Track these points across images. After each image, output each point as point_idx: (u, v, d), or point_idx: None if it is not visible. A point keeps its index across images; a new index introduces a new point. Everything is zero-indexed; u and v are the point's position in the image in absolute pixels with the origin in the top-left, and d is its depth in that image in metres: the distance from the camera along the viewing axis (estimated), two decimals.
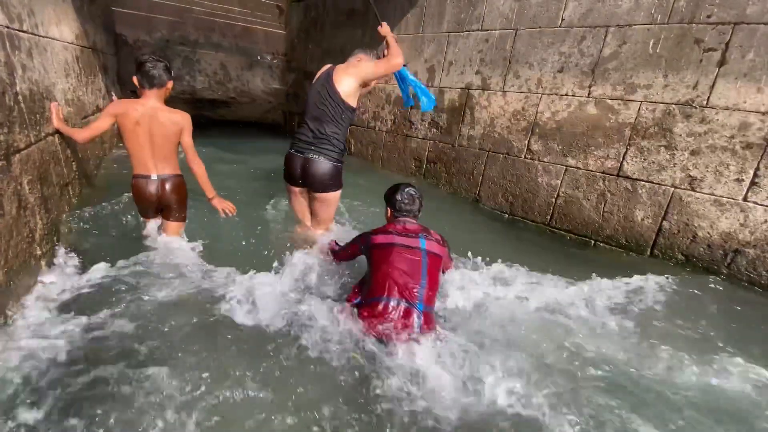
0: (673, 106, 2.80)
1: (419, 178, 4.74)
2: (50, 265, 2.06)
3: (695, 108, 2.72)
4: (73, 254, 2.21)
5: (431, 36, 4.39)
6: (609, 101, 3.08)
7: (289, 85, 7.31)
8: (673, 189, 2.85)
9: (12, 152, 1.75)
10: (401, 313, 1.79)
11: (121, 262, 2.14)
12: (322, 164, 2.47)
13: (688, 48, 2.72)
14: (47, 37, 2.56)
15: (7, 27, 1.88)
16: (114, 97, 2.43)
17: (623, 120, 3.02)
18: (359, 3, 5.41)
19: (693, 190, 2.77)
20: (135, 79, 2.25)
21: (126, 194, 2.76)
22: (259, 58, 7.19)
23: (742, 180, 2.59)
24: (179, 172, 2.43)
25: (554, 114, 3.39)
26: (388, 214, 2.18)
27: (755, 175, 2.55)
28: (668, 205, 2.87)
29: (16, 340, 1.55)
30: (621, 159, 3.06)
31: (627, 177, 3.04)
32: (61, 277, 2.00)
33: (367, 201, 3.50)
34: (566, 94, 3.31)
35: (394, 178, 4.92)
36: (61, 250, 2.19)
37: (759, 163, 2.53)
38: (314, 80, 2.58)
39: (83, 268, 2.10)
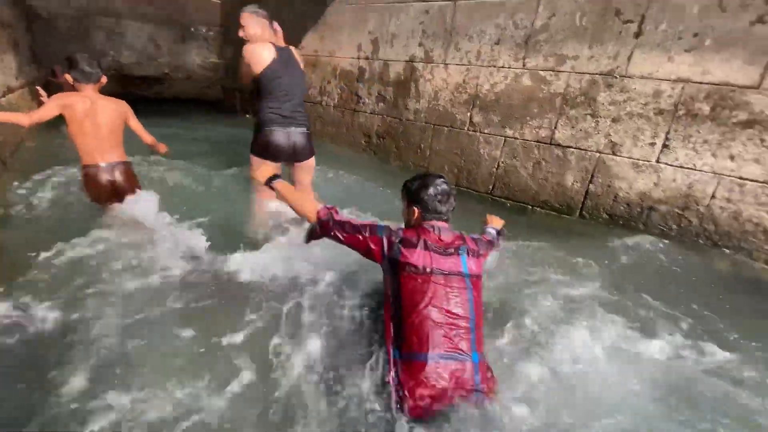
0: (597, 76, 3.00)
1: (369, 153, 4.76)
2: None
3: (616, 78, 2.93)
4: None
5: (373, 6, 4.31)
6: (541, 72, 3.23)
7: (228, 58, 6.91)
8: (598, 154, 3.09)
9: None
10: (454, 374, 1.33)
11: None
12: (306, 135, 2.77)
13: (609, 20, 2.89)
14: None
15: None
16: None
17: (554, 90, 3.20)
18: None
19: (614, 154, 3.03)
20: (68, 76, 2.39)
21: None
22: (192, 30, 6.70)
23: (655, 143, 2.87)
24: (127, 158, 2.61)
25: (493, 86, 3.51)
26: (415, 215, 1.62)
27: (666, 138, 2.83)
28: (594, 170, 3.13)
29: None
30: (553, 128, 3.26)
31: (558, 145, 3.26)
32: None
33: (322, 177, 3.52)
34: (503, 66, 3.43)
35: (345, 153, 4.91)
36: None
37: (670, 127, 2.80)
38: (272, 60, 2.54)
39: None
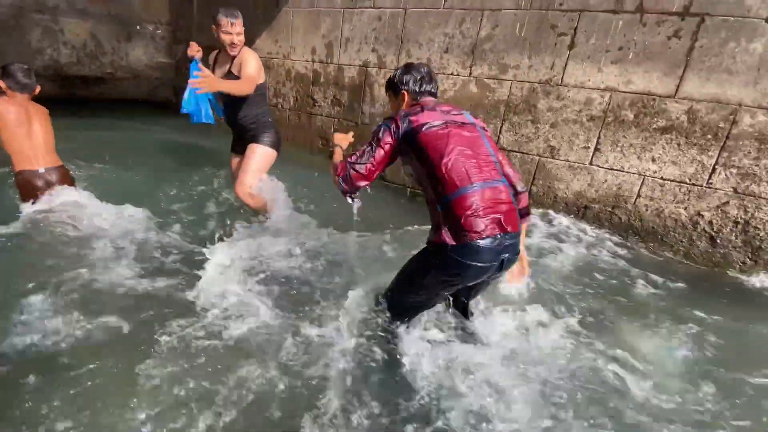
0: (536, 84, 3.19)
1: (326, 155, 4.77)
2: None
3: (553, 86, 3.14)
4: None
5: (326, 11, 4.32)
6: (486, 80, 3.40)
7: (178, 58, 6.65)
8: (538, 158, 3.30)
9: None
10: (496, 195, 1.45)
11: None
12: None
13: (545, 32, 3.09)
14: None
15: None
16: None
17: (498, 98, 3.37)
18: None
19: (553, 157, 3.24)
20: (2, 83, 2.45)
21: None
22: (138, 27, 6.39)
23: (589, 147, 3.10)
24: (61, 163, 2.70)
25: (443, 92, 3.64)
26: (405, 99, 1.71)
27: (598, 143, 3.07)
28: (535, 172, 3.33)
29: None
30: (498, 133, 3.43)
31: (503, 149, 3.43)
32: None
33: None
34: (452, 74, 3.57)
35: (301, 155, 4.88)
36: None
37: (600, 132, 3.04)
38: None
39: None
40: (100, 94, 6.51)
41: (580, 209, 3.21)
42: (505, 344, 1.77)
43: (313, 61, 4.61)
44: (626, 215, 3.04)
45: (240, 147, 2.97)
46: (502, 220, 1.42)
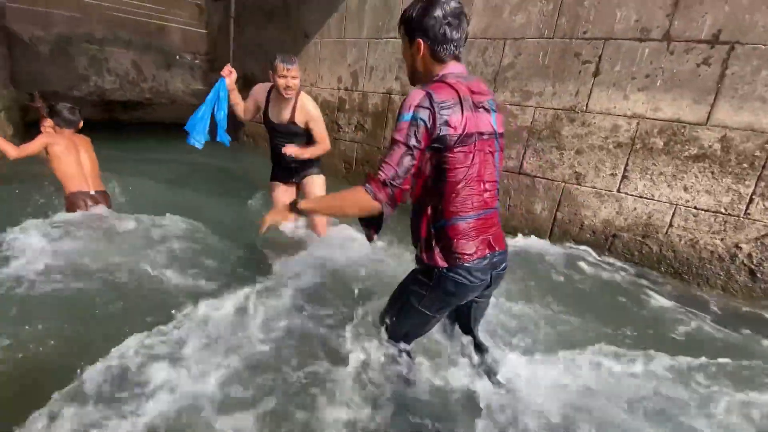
0: (560, 111, 3.18)
1: (350, 179, 4.85)
2: None
3: (577, 113, 3.11)
4: None
5: (353, 41, 4.50)
6: (510, 106, 3.41)
7: (212, 86, 7.02)
8: (563, 184, 3.23)
9: None
10: (488, 224, 1.41)
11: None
12: None
13: (569, 60, 3.10)
14: None
15: None
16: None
17: (521, 123, 3.36)
18: (279, 4, 5.36)
19: (579, 184, 3.17)
20: (51, 121, 2.87)
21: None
22: (178, 57, 6.82)
23: (616, 174, 3.02)
24: (104, 187, 3.01)
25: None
26: (421, 51, 1.34)
27: (625, 169, 2.99)
28: (560, 198, 3.26)
29: None
30: (521, 158, 3.40)
31: (527, 174, 3.39)
32: None
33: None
34: None
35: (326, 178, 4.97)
36: None
37: (627, 159, 2.97)
38: None
39: None
40: (138, 117, 6.91)
41: (608, 238, 3.10)
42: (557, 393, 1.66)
43: (339, 89, 4.76)
44: (658, 245, 2.91)
45: (286, 175, 3.01)
46: (491, 240, 1.42)
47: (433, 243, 1.40)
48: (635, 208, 2.98)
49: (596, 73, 3.01)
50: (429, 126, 1.24)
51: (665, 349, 1.96)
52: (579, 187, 3.17)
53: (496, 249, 1.43)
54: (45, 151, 2.77)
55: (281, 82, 2.60)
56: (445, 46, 1.32)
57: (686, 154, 2.76)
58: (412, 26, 1.33)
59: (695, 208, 2.77)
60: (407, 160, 1.28)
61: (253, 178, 4.56)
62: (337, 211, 1.62)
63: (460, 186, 1.33)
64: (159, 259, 2.39)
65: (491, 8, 3.41)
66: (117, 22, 6.23)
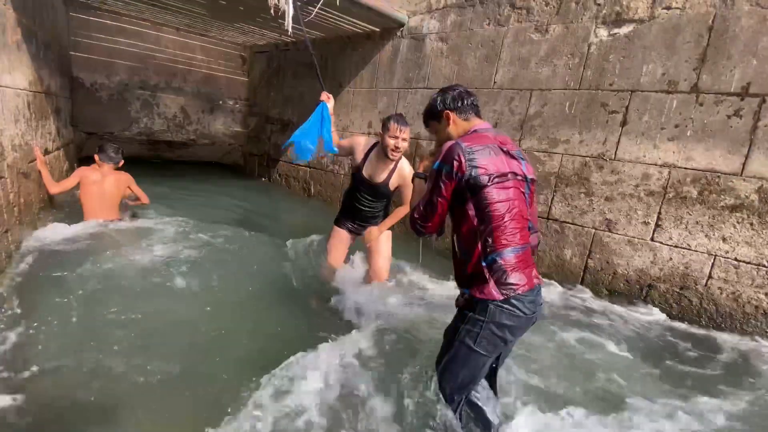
0: (588, 158, 3.21)
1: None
2: None
3: (606, 161, 3.13)
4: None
5: (384, 90, 4.77)
6: (536, 153, 3.47)
7: (250, 128, 7.48)
8: (594, 231, 3.20)
9: None
10: (527, 257, 1.50)
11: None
12: None
13: (596, 110, 3.17)
14: None
15: None
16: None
17: (549, 170, 3.40)
18: (319, 58, 5.79)
19: (610, 231, 3.12)
20: (96, 157, 3.33)
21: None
22: (221, 102, 7.36)
23: (649, 222, 2.97)
24: (120, 217, 3.43)
25: None
26: (451, 120, 1.57)
27: (659, 218, 2.94)
28: (591, 246, 3.21)
29: None
30: (550, 203, 3.41)
31: (556, 220, 3.38)
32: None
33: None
34: None
35: None
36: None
37: (660, 208, 2.93)
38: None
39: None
40: (180, 156, 7.39)
41: (643, 288, 3.00)
42: None
43: (369, 134, 4.98)
44: (697, 298, 2.79)
45: (355, 225, 2.88)
46: (533, 273, 1.51)
47: (487, 276, 1.44)
48: (671, 258, 2.89)
49: (624, 123, 3.05)
50: (455, 173, 1.42)
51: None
52: (610, 234, 3.12)
53: (536, 282, 1.50)
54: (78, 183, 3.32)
55: (391, 142, 2.49)
56: (467, 107, 1.58)
57: (722, 204, 2.70)
58: (438, 108, 1.60)
59: (735, 259, 2.67)
60: (429, 209, 1.49)
61: (287, 219, 4.72)
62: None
63: (506, 220, 1.44)
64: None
65: (518, 61, 3.58)
66: (170, 71, 6.85)
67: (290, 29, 3.39)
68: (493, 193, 1.42)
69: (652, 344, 2.53)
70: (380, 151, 2.60)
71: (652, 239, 2.96)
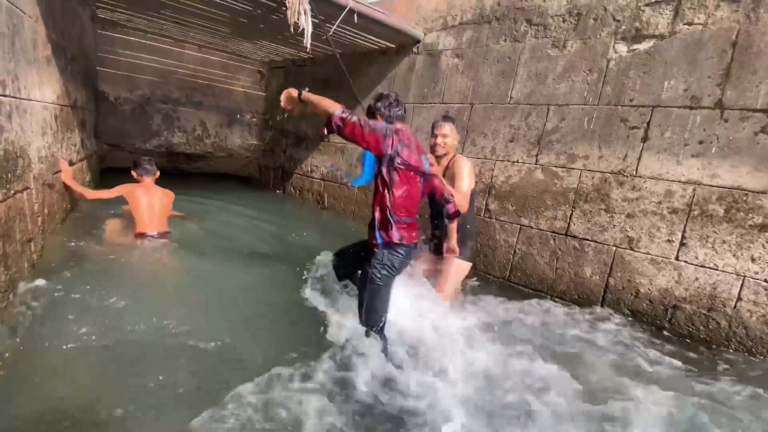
0: (608, 174, 3.15)
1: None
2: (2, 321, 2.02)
3: (626, 177, 3.07)
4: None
5: None
6: (554, 168, 3.42)
7: (266, 141, 7.60)
8: (615, 248, 3.11)
9: None
10: (416, 225, 2.16)
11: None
12: None
13: (616, 126, 3.12)
14: (28, 100, 2.69)
15: None
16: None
17: (567, 185, 3.34)
18: (333, 72, 5.88)
19: (632, 249, 3.03)
20: (134, 173, 3.51)
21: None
22: (238, 116, 7.52)
23: (672, 241, 2.88)
24: (168, 230, 3.55)
25: (508, 178, 3.71)
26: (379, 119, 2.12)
27: (683, 236, 2.85)
28: (612, 263, 3.12)
29: None
30: (568, 220, 3.34)
31: (574, 236, 3.30)
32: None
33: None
34: (517, 161, 3.66)
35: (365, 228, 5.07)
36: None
37: (685, 226, 2.84)
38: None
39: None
40: (197, 168, 7.52)
41: (667, 309, 2.88)
42: None
43: None
44: (726, 320, 2.67)
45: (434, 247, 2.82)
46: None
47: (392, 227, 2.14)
48: (697, 278, 2.79)
49: (645, 138, 3.00)
50: (382, 140, 2.00)
51: None
52: (632, 252, 3.03)
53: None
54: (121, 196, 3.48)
55: (431, 140, 2.70)
56: (397, 121, 2.17)
57: (750, 222, 2.60)
58: (374, 110, 2.19)
59: (766, 281, 2.55)
60: (358, 125, 2.01)
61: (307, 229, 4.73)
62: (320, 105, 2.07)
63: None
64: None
65: (534, 76, 3.57)
66: (191, 86, 7.04)
67: (309, 45, 3.47)
68: (400, 175, 2.02)
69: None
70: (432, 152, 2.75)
71: (676, 258, 2.86)
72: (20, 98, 2.50)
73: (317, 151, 6.12)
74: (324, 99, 2.07)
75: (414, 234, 2.13)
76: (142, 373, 1.84)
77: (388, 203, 2.02)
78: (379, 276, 2.07)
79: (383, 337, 2.14)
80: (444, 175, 2.66)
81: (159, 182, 3.66)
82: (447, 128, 2.66)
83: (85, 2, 4.78)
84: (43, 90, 3.08)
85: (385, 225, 2.05)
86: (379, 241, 2.08)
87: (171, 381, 1.81)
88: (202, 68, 7.06)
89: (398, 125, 2.08)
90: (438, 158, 2.72)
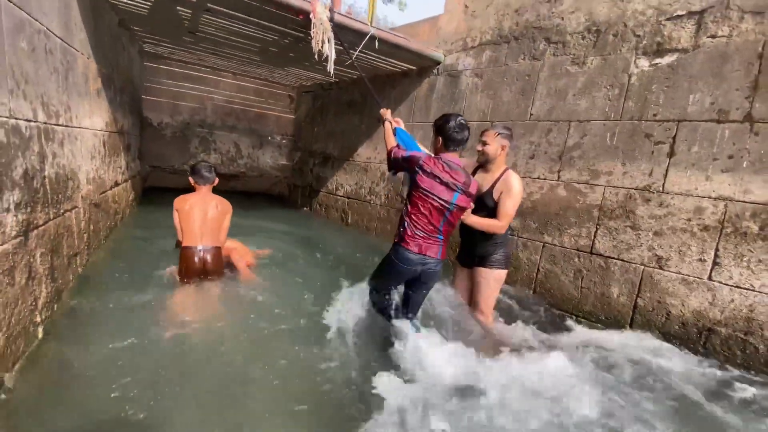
0: (634, 190, 3.06)
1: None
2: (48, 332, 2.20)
3: (653, 193, 2.97)
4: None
5: (420, 125, 4.89)
6: (576, 185, 3.36)
7: (295, 161, 7.90)
8: (643, 267, 2.99)
9: (31, 228, 2.01)
10: (427, 243, 2.35)
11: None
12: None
13: (640, 141, 3.05)
14: (80, 128, 2.98)
15: (45, 123, 2.26)
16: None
17: (590, 202, 3.27)
18: (358, 95, 6.09)
19: (661, 268, 2.91)
20: (191, 180, 3.07)
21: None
22: (270, 138, 7.89)
23: (705, 260, 2.74)
24: (219, 245, 3.07)
25: (529, 195, 3.67)
26: (439, 144, 2.34)
27: (716, 255, 2.70)
28: (640, 283, 2.99)
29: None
30: (593, 237, 3.25)
31: (600, 254, 3.21)
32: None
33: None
34: (539, 177, 3.62)
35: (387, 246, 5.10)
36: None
37: (717, 244, 2.70)
38: None
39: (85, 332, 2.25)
40: (231, 187, 7.90)
41: (701, 332, 2.72)
42: None
43: None
44: (765, 345, 2.49)
45: (467, 259, 2.82)
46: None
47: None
48: (732, 300, 2.63)
49: (671, 154, 2.91)
50: (409, 164, 2.38)
51: None
52: (662, 271, 2.90)
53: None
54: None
55: (477, 146, 2.67)
56: (454, 143, 2.32)
57: None
58: (437, 128, 2.37)
59: None
60: (401, 159, 2.47)
61: (335, 250, 4.80)
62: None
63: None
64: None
65: (555, 93, 3.56)
66: (226, 111, 7.50)
67: (332, 71, 3.67)
68: (415, 193, 2.31)
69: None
70: (481, 164, 2.74)
71: (709, 278, 2.72)
72: (72, 126, 2.79)
73: (342, 170, 6.30)
74: (390, 135, 2.79)
75: (425, 246, 2.33)
76: (179, 395, 1.86)
77: (403, 213, 2.39)
78: (387, 262, 2.45)
79: (387, 316, 2.57)
80: (493, 187, 2.61)
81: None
82: (489, 136, 2.59)
83: (134, 38, 5.26)
84: (93, 119, 3.41)
85: (399, 229, 2.40)
86: (395, 239, 2.43)
87: (208, 403, 1.85)
88: (236, 94, 7.52)
89: (428, 156, 2.31)
90: (485, 168, 2.67)
